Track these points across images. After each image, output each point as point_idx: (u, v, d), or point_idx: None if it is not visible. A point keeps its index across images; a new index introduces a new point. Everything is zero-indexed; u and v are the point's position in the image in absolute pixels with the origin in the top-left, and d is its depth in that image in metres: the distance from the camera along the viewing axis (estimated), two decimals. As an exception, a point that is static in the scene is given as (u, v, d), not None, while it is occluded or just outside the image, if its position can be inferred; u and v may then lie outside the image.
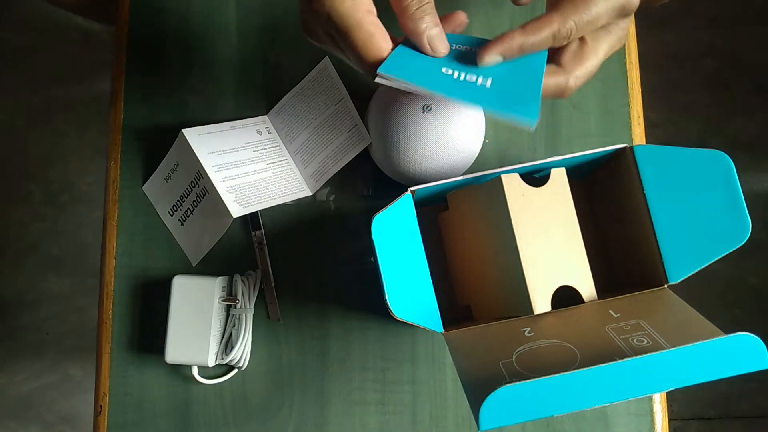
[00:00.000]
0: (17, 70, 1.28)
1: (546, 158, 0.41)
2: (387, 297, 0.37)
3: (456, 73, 0.36)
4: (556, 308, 0.41)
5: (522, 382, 0.29)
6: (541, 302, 0.41)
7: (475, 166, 0.51)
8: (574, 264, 0.42)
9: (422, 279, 0.40)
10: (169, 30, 0.55)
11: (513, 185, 0.41)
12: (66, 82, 1.28)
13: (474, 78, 0.36)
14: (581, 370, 0.29)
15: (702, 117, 1.27)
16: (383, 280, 0.37)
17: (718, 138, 1.27)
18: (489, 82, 0.36)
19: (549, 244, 0.41)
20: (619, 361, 0.29)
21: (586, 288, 0.42)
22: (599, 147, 0.52)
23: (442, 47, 0.37)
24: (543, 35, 0.35)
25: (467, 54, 0.37)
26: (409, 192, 0.41)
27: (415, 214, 0.42)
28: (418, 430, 0.50)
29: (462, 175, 0.42)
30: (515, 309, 0.42)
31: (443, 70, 0.36)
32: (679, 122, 1.27)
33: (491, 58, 0.36)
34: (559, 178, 0.42)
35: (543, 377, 0.29)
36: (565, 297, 0.41)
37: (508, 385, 0.29)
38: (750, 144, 1.26)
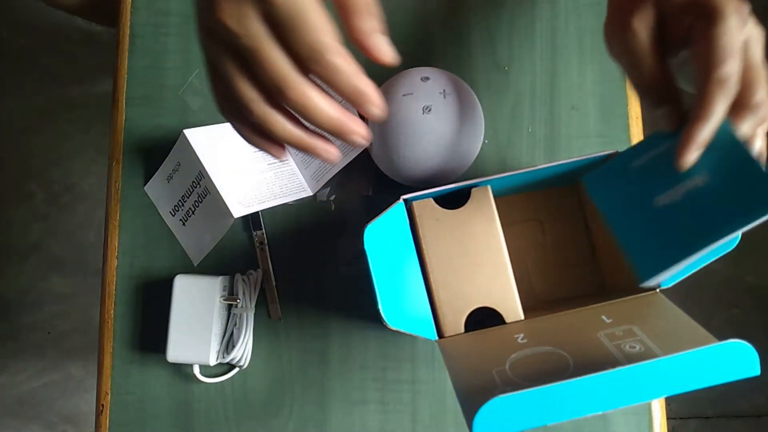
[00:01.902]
0: (19, 71, 1.29)
1: (541, 164, 0.41)
2: (380, 307, 0.37)
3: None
4: (474, 329, 0.41)
5: (515, 392, 0.29)
6: (451, 324, 0.41)
7: (474, 167, 0.51)
8: (495, 284, 0.41)
9: (416, 287, 0.41)
10: (169, 31, 0.55)
11: (425, 211, 0.41)
12: (67, 83, 1.28)
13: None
14: (574, 379, 0.29)
15: (702, 117, 1.27)
16: (376, 290, 0.37)
17: (718, 138, 1.27)
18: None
19: (466, 266, 0.41)
20: (612, 370, 0.29)
21: (508, 307, 0.41)
22: (598, 147, 0.52)
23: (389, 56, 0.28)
24: (718, 106, 0.31)
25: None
26: (401, 200, 0.41)
27: (408, 222, 0.42)
28: (417, 429, 0.51)
29: (463, 180, 0.42)
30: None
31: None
32: (679, 122, 1.27)
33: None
34: (481, 197, 0.42)
35: (535, 388, 0.29)
36: (492, 317, 0.42)
37: (501, 395, 0.29)
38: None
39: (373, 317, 0.52)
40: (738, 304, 1.22)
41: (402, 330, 0.38)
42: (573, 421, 0.50)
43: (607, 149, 0.42)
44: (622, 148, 0.43)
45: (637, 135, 0.53)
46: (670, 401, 1.19)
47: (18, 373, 1.24)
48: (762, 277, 1.23)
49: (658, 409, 0.50)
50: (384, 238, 0.39)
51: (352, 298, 0.52)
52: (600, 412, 0.29)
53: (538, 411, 0.29)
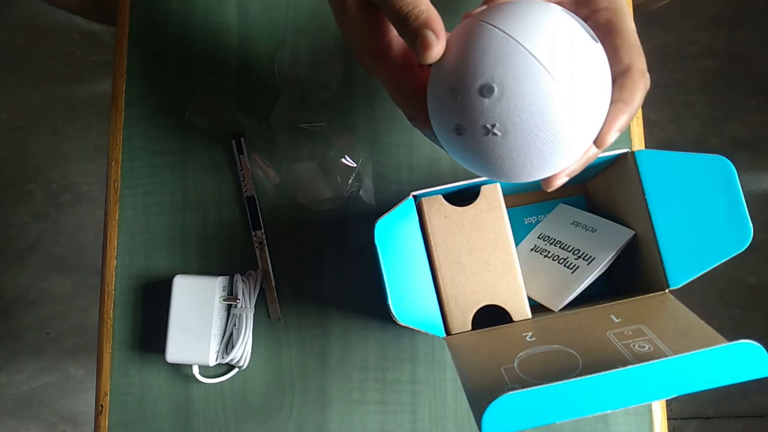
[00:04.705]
0: (18, 70, 1.29)
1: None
2: (390, 302, 0.37)
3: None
4: (483, 326, 0.41)
5: (524, 390, 0.29)
6: (459, 322, 0.41)
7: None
8: (503, 282, 0.41)
9: (424, 284, 0.41)
10: (169, 31, 0.55)
11: (434, 208, 0.42)
12: (67, 83, 1.28)
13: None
14: (583, 378, 0.29)
15: (702, 117, 1.27)
16: (387, 285, 0.37)
17: (718, 138, 1.27)
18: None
19: (475, 264, 0.41)
20: (621, 369, 0.29)
21: (516, 306, 0.41)
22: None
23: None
24: (639, 97, 0.32)
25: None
26: (410, 196, 0.41)
27: (418, 218, 0.42)
28: (418, 429, 0.51)
29: (461, 180, 0.42)
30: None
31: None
32: (679, 122, 1.27)
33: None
34: (490, 194, 0.42)
35: (545, 385, 0.29)
36: (500, 315, 0.42)
37: (510, 392, 0.29)
38: (750, 144, 1.26)
39: (374, 317, 0.52)
40: (739, 305, 1.22)
41: (410, 326, 0.38)
42: (573, 422, 0.50)
43: (609, 149, 0.41)
44: (623, 148, 0.43)
45: (638, 135, 0.53)
46: (670, 402, 1.19)
47: (17, 373, 1.24)
48: (763, 277, 1.23)
49: (659, 410, 0.50)
50: (393, 234, 0.39)
51: (352, 298, 0.52)
52: (603, 412, 0.29)
53: (548, 408, 0.29)
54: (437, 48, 0.29)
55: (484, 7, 0.32)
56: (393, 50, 0.34)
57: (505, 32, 0.28)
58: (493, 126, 0.28)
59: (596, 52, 0.29)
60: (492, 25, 0.28)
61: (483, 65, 0.28)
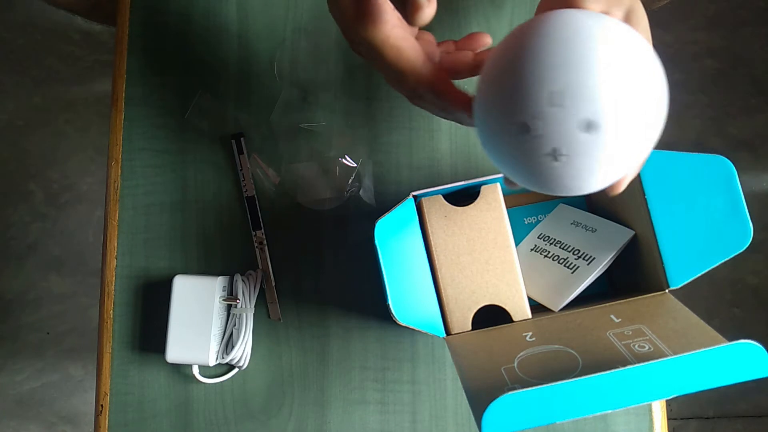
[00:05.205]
0: (18, 70, 1.29)
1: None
2: (390, 302, 0.37)
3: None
4: (483, 326, 0.41)
5: (524, 389, 0.29)
6: (459, 322, 0.41)
7: (483, 164, 0.51)
8: (503, 282, 0.41)
9: (424, 284, 0.41)
10: (169, 30, 0.55)
11: (434, 208, 0.42)
12: (67, 82, 1.28)
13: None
14: (583, 378, 0.29)
15: (702, 117, 1.27)
16: (386, 285, 0.37)
17: (718, 138, 1.27)
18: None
19: (475, 264, 0.41)
20: (621, 369, 0.29)
21: (516, 306, 0.41)
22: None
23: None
24: None
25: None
26: (410, 196, 0.41)
27: (418, 218, 0.42)
28: (417, 429, 0.51)
29: (472, 178, 0.42)
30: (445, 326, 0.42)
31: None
32: (679, 122, 1.27)
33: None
34: (490, 194, 0.42)
35: (545, 385, 0.29)
36: (500, 315, 0.42)
37: (510, 392, 0.29)
38: (750, 144, 1.26)
39: (373, 317, 0.52)
40: (739, 305, 1.22)
41: (410, 326, 0.38)
42: (573, 422, 0.50)
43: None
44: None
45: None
46: (670, 402, 1.19)
47: (17, 373, 1.24)
48: (763, 277, 1.23)
49: (659, 410, 0.50)
50: (394, 233, 0.39)
51: (352, 299, 0.52)
52: (603, 412, 0.29)
53: (548, 408, 0.29)
54: (428, 10, 0.28)
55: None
56: (387, 13, 0.31)
57: (630, 73, 0.25)
58: (564, 154, 0.26)
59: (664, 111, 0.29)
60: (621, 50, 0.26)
61: (603, 97, 0.24)
